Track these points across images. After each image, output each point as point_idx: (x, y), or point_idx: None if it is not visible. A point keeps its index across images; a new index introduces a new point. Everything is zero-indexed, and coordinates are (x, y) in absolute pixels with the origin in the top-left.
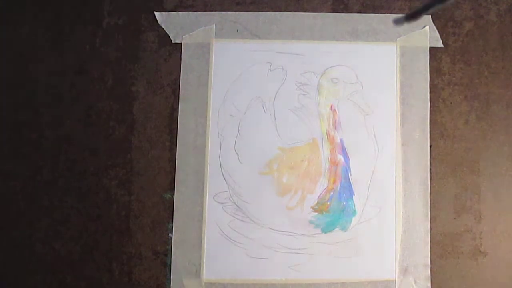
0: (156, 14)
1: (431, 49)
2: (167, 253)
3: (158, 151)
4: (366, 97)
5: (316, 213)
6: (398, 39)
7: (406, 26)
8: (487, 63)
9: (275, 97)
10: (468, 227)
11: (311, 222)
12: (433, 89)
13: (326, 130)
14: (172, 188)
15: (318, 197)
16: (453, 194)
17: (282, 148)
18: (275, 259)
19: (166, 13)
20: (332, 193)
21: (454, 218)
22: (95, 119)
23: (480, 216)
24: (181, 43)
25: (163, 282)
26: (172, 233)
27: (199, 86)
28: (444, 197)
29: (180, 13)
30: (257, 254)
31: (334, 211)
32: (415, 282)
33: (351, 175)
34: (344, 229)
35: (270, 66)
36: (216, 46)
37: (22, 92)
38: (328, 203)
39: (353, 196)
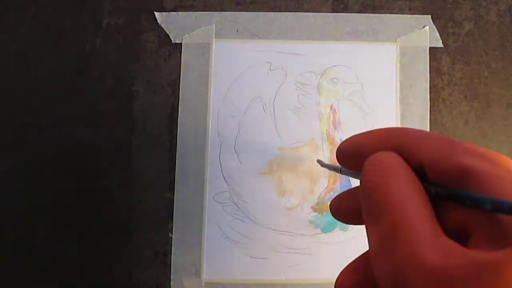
0: (156, 14)
1: (431, 49)
2: (167, 253)
3: (158, 151)
4: (366, 97)
5: (316, 213)
6: (398, 39)
7: (406, 26)
8: (487, 63)
9: (275, 97)
10: None
11: (311, 222)
12: (433, 89)
13: (326, 130)
14: (172, 188)
15: (318, 197)
16: None
17: (282, 148)
18: (275, 259)
19: (166, 13)
20: (332, 193)
21: None
22: (95, 119)
23: None
24: (181, 43)
25: (163, 282)
26: (172, 233)
27: (199, 86)
28: None
29: (180, 13)
30: (257, 254)
31: None
32: None
33: None
34: (344, 229)
35: (270, 66)
36: (216, 46)
37: (22, 92)
38: (328, 203)
39: None
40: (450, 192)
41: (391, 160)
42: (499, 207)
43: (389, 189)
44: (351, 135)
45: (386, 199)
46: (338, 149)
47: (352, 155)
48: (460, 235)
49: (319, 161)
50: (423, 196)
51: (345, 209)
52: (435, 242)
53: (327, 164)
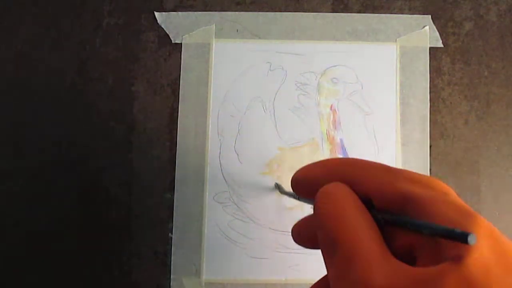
0: (156, 14)
1: (431, 49)
2: (167, 253)
3: (158, 151)
4: (366, 97)
5: None
6: (398, 39)
7: (406, 26)
8: (487, 63)
9: (275, 97)
10: None
11: None
12: (433, 89)
13: (326, 130)
14: (172, 188)
15: None
16: None
17: (282, 148)
18: (275, 259)
19: (166, 13)
20: None
21: None
22: (95, 119)
23: None
24: (181, 43)
25: (163, 282)
26: (172, 233)
27: (199, 86)
28: None
29: (180, 13)
30: (257, 254)
31: None
32: None
33: None
34: None
35: (270, 66)
36: (216, 46)
37: (22, 92)
38: None
39: None
40: (394, 218)
41: (340, 192)
42: (435, 232)
43: (340, 220)
44: (351, 135)
45: (338, 230)
46: (292, 179)
47: (305, 186)
48: (409, 256)
49: (276, 185)
50: (372, 223)
51: (304, 235)
52: (384, 264)
53: (286, 191)
